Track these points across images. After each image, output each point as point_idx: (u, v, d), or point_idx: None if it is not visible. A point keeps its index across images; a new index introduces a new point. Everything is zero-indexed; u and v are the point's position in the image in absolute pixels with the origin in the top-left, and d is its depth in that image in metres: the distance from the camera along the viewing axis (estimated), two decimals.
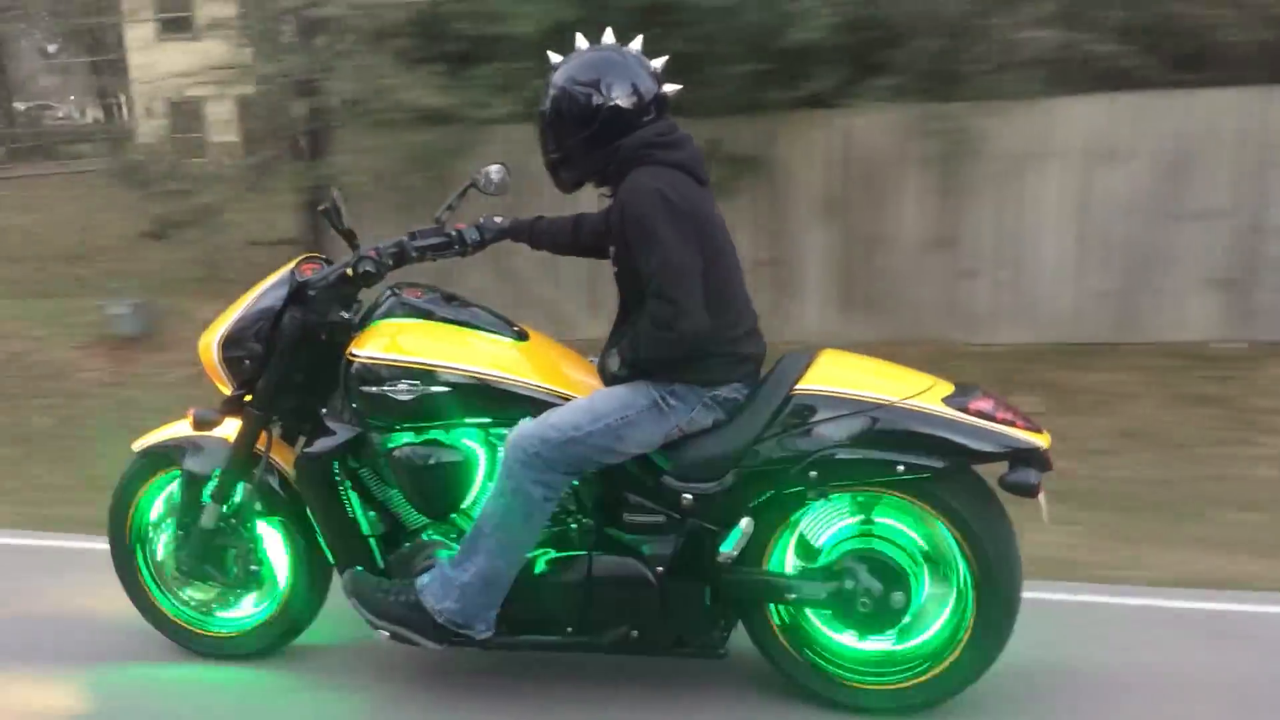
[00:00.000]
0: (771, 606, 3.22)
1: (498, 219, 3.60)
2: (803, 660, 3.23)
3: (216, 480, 3.45)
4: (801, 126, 8.34)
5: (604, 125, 3.05)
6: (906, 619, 3.14)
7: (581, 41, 3.19)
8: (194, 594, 3.65)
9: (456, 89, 8.09)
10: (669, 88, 3.14)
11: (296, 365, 3.35)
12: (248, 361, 3.38)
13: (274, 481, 3.47)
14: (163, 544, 3.64)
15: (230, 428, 3.46)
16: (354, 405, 3.25)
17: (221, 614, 3.68)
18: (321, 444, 3.32)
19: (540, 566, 3.20)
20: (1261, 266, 7.73)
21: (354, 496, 3.35)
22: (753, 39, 7.78)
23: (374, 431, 3.26)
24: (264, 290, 3.41)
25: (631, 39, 3.19)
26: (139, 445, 3.62)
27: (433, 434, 3.23)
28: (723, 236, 3.13)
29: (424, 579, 3.16)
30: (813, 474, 3.01)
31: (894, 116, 7.94)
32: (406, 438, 3.23)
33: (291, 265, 3.42)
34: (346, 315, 3.36)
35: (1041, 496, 3.01)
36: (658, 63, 3.16)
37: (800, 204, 8.51)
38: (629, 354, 3.05)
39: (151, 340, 9.68)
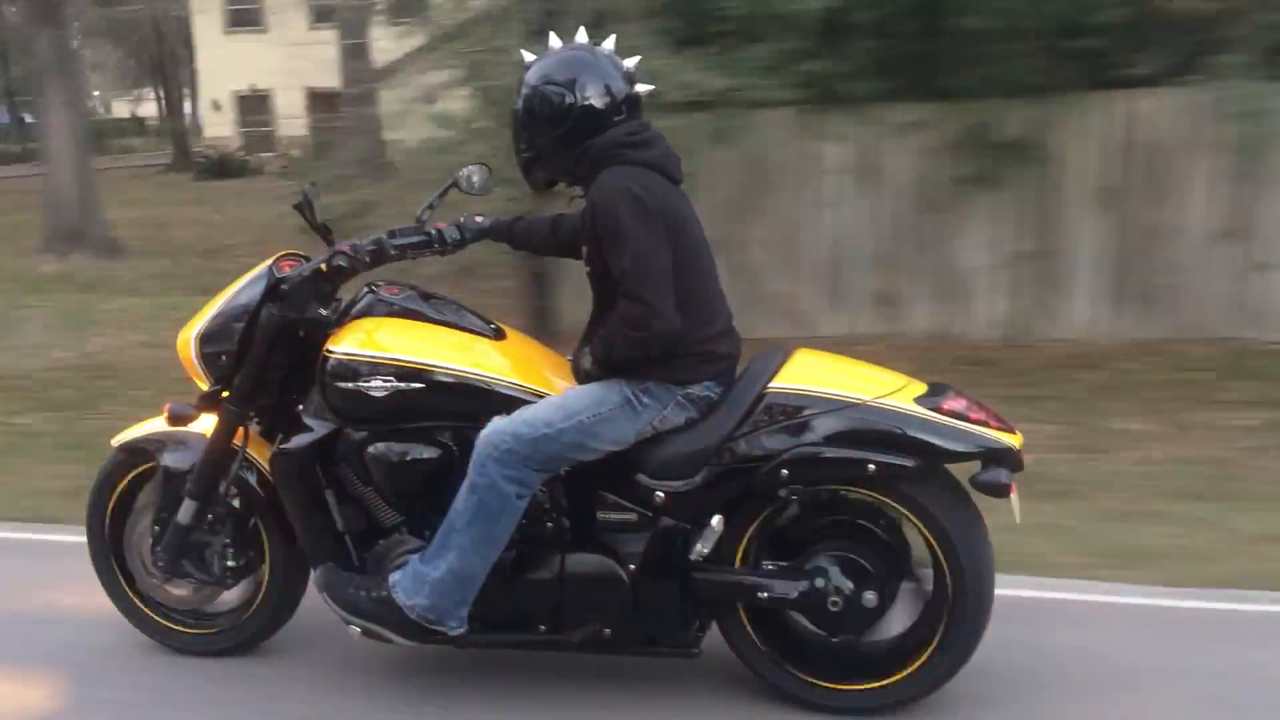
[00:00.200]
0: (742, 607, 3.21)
1: (478, 218, 3.61)
2: (775, 660, 3.23)
3: (193, 476, 3.46)
4: (1077, 110, 7.78)
5: (576, 124, 3.06)
6: (879, 619, 3.13)
7: (555, 41, 3.20)
8: (171, 590, 3.65)
9: (725, 70, 7.48)
10: (641, 88, 3.15)
11: (274, 362, 3.36)
12: (224, 358, 3.38)
13: (251, 477, 3.48)
14: (141, 540, 3.64)
15: (209, 423, 3.47)
16: (329, 402, 3.26)
17: (199, 610, 3.69)
18: (297, 440, 3.33)
19: (514, 564, 3.19)
20: None
21: (329, 493, 3.35)
22: (1064, 14, 7.36)
23: (349, 428, 3.27)
24: (242, 286, 3.42)
25: (604, 38, 3.20)
26: (118, 440, 3.63)
27: (407, 431, 3.24)
28: (696, 235, 3.13)
29: (396, 575, 3.17)
30: (784, 473, 3.00)
31: (1185, 98, 7.42)
32: (381, 435, 3.23)
33: (270, 261, 3.43)
34: (325, 312, 3.37)
35: (1014, 497, 3.01)
36: (630, 62, 3.16)
37: (1072, 192, 7.95)
38: (601, 352, 3.06)
39: None
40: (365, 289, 3.39)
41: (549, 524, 3.21)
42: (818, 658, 3.24)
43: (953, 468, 3.08)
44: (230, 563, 3.53)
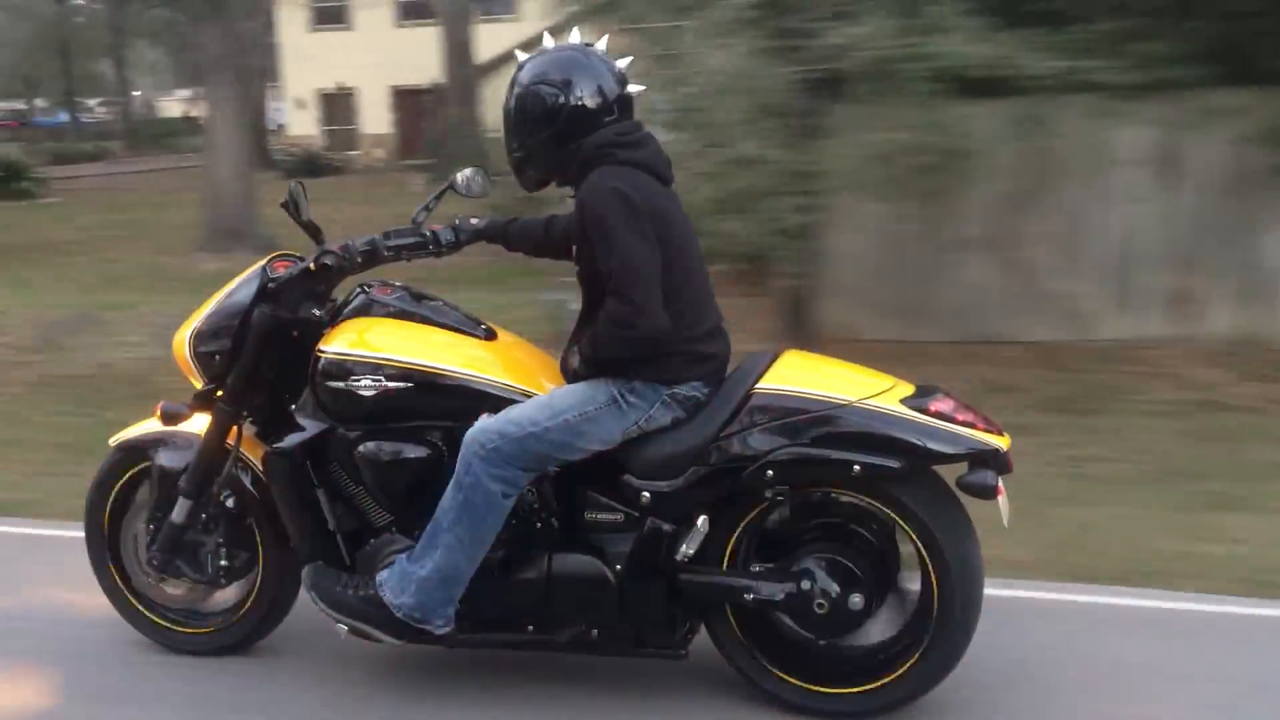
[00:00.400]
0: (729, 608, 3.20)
1: (473, 220, 3.62)
2: (762, 663, 3.22)
3: (187, 475, 3.48)
4: None
5: (567, 124, 3.07)
6: (865, 622, 3.11)
7: (548, 40, 3.21)
8: (166, 589, 3.67)
9: (1057, 52, 6.83)
10: (632, 88, 3.16)
11: (267, 362, 3.38)
12: (218, 357, 3.40)
13: (245, 477, 3.50)
14: (137, 539, 3.67)
15: (204, 423, 3.49)
16: (320, 401, 3.28)
17: (193, 609, 3.70)
18: (289, 440, 3.35)
19: (501, 564, 3.20)
20: None
21: (321, 493, 3.37)
22: None
23: (340, 427, 3.29)
24: (235, 286, 3.45)
25: (598, 39, 3.21)
26: (115, 440, 3.66)
27: (397, 431, 3.25)
28: (685, 235, 3.13)
29: (383, 574, 3.18)
30: (769, 473, 2.99)
31: None
32: (371, 434, 3.25)
33: (263, 262, 3.46)
34: (318, 313, 3.39)
35: (1001, 499, 2.99)
36: (622, 63, 3.18)
37: None
38: (588, 351, 3.06)
39: None
40: (358, 289, 3.42)
41: (537, 524, 3.21)
42: (805, 661, 3.22)
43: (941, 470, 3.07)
44: (224, 562, 3.55)
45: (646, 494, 3.08)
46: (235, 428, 3.44)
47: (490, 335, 3.37)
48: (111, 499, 3.68)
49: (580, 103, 3.07)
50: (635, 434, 3.09)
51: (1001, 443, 2.98)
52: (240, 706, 3.41)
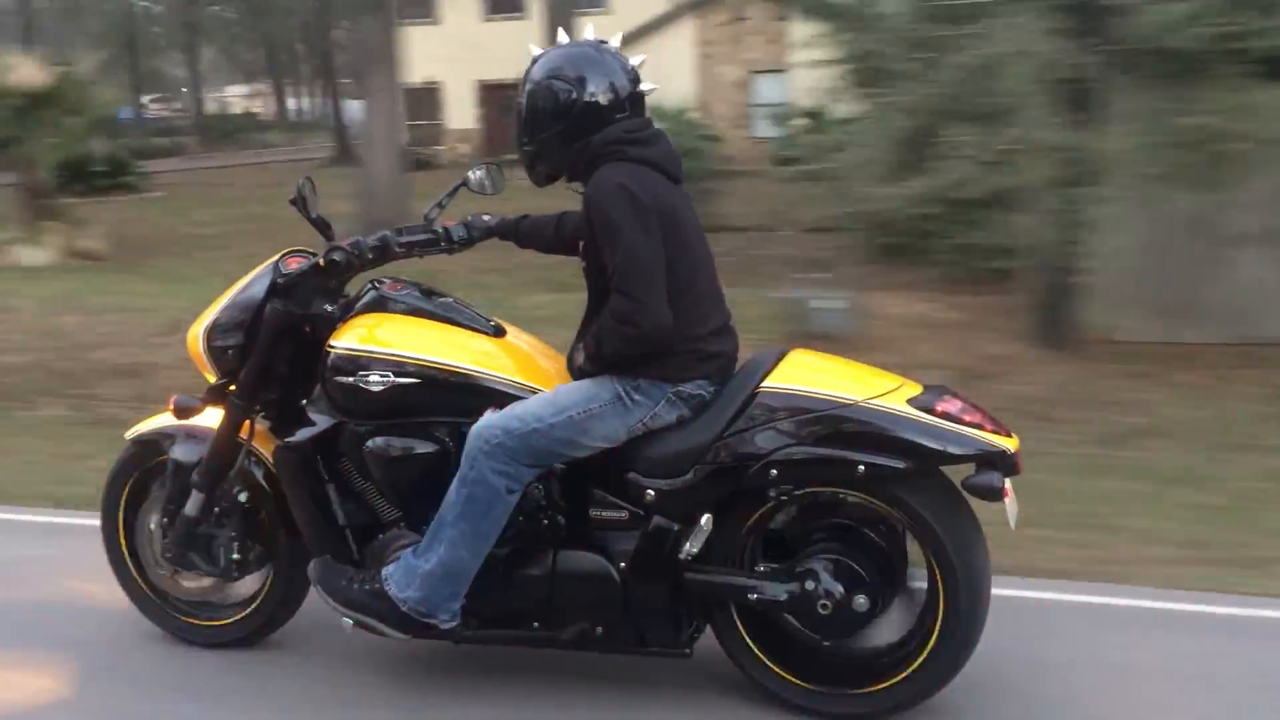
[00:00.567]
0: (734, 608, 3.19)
1: (486, 217, 3.64)
2: (767, 664, 3.20)
3: (200, 469, 3.51)
4: None
5: (577, 120, 3.08)
6: (870, 623, 3.09)
7: (562, 36, 3.22)
8: (180, 582, 3.70)
9: None
10: (644, 86, 3.16)
11: (279, 357, 3.41)
12: (230, 352, 3.43)
13: (258, 472, 3.52)
14: (151, 532, 3.70)
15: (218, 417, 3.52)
16: (330, 396, 3.30)
17: (206, 601, 3.73)
18: (300, 434, 3.38)
19: (507, 560, 3.20)
20: None
21: (331, 488, 3.39)
22: None
23: (349, 422, 3.31)
24: (249, 282, 3.48)
25: (611, 37, 3.22)
26: (131, 433, 3.70)
27: (406, 426, 3.26)
28: (693, 233, 3.13)
29: (389, 568, 3.19)
30: (773, 473, 2.98)
31: None
32: (380, 430, 3.26)
33: (276, 257, 3.48)
34: (330, 308, 3.41)
35: (1008, 501, 2.96)
36: (635, 60, 3.18)
37: None
38: (593, 348, 3.06)
39: (860, 340, 7.50)
40: (369, 285, 3.43)
41: (544, 521, 3.21)
42: (811, 662, 3.20)
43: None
44: (236, 556, 3.57)
45: (651, 492, 3.08)
46: (248, 422, 3.47)
47: (499, 332, 3.38)
48: (127, 492, 3.72)
49: (591, 99, 3.07)
50: (640, 432, 3.08)
51: (1009, 444, 2.95)
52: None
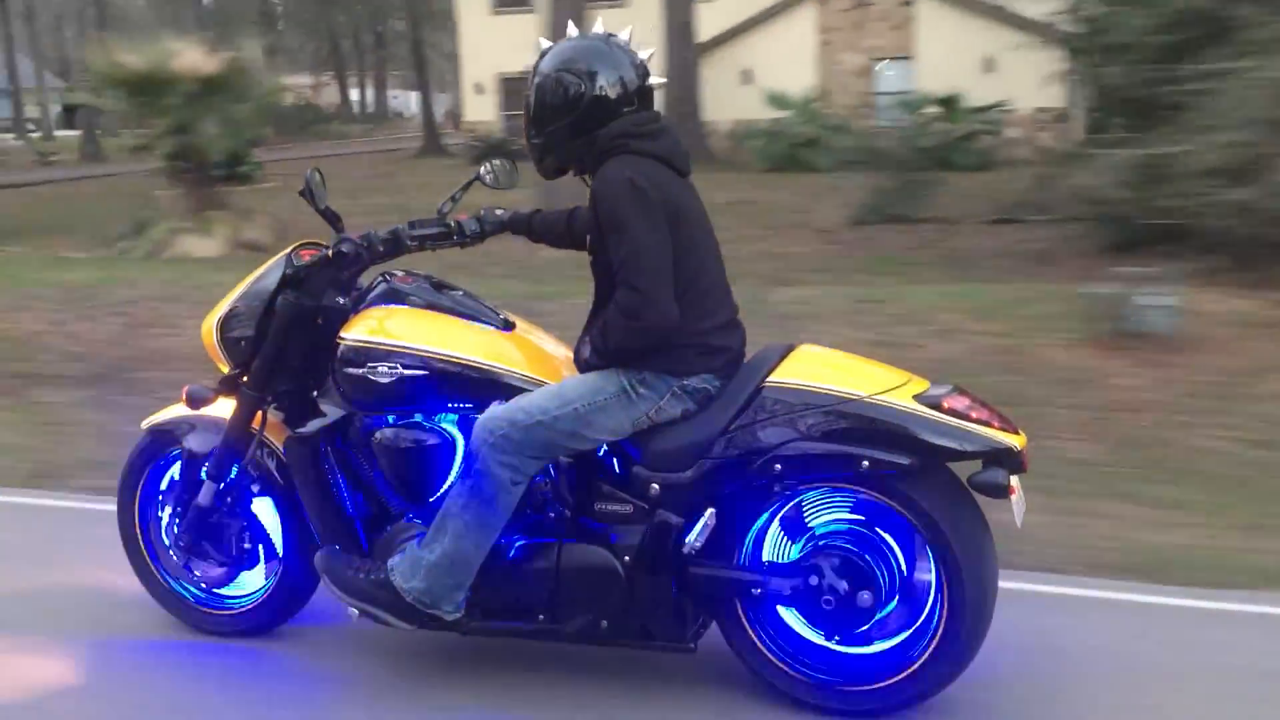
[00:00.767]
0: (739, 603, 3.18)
1: (499, 211, 3.66)
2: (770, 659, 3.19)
3: (212, 459, 3.54)
4: None
5: (585, 113, 3.08)
6: (874, 619, 3.07)
7: (572, 29, 3.23)
8: (193, 570, 3.74)
9: None
10: (654, 80, 3.16)
11: (292, 348, 3.43)
12: (243, 343, 3.47)
13: (269, 461, 3.55)
14: (166, 521, 3.74)
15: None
16: (340, 387, 3.32)
17: (219, 591, 3.77)
18: (310, 425, 3.40)
19: (512, 552, 3.21)
20: None
21: (341, 479, 3.41)
22: None
23: (359, 414, 3.33)
24: (262, 273, 3.51)
25: (622, 30, 3.22)
26: (147, 423, 3.74)
27: (414, 418, 3.28)
28: (700, 228, 3.13)
29: (394, 559, 3.21)
30: (777, 467, 2.98)
31: None
32: (388, 421, 3.28)
33: (289, 249, 3.51)
34: (342, 300, 3.44)
35: (1015, 499, 2.94)
36: (644, 54, 3.18)
37: None
38: (598, 341, 3.07)
39: (1188, 342, 6.79)
40: (379, 277, 3.46)
41: (550, 513, 3.21)
42: (816, 657, 3.19)
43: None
44: (247, 545, 3.60)
45: (656, 485, 3.08)
46: (260, 413, 3.50)
47: (509, 326, 3.39)
48: (143, 481, 3.76)
49: (600, 92, 3.08)
50: (645, 425, 3.09)
51: (1016, 441, 2.93)
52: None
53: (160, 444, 3.73)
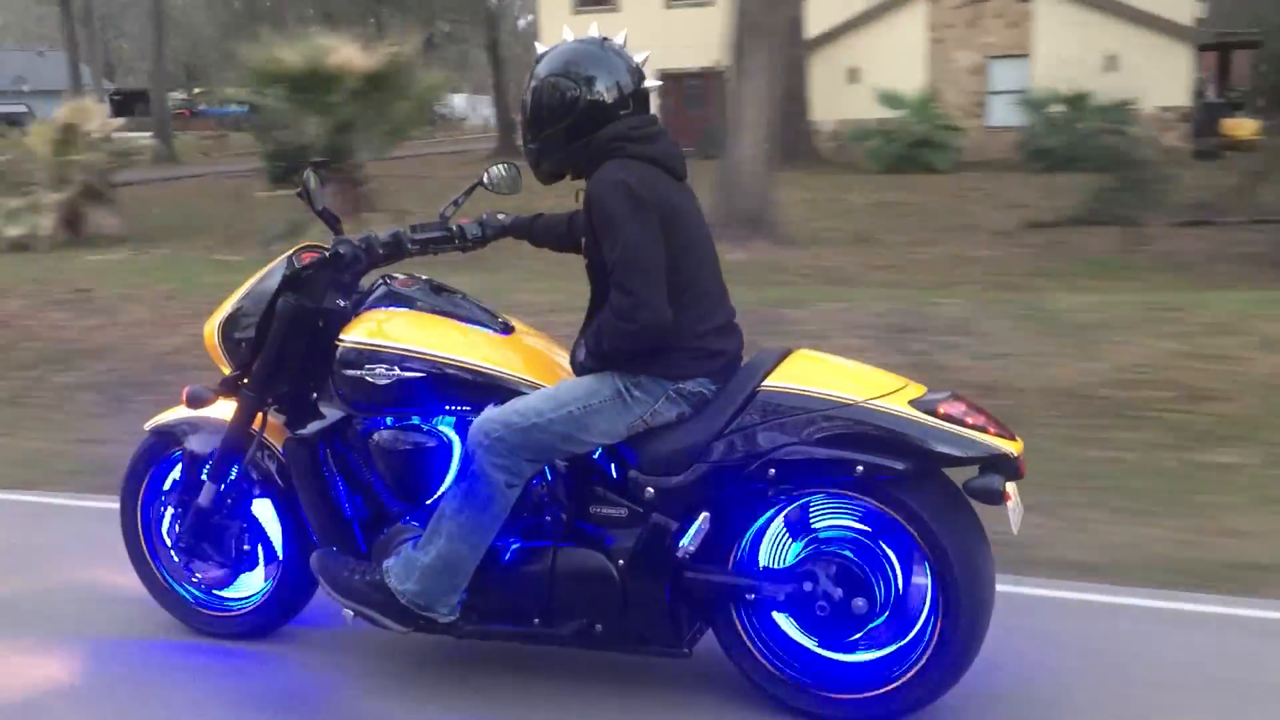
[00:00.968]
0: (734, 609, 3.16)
1: (501, 215, 3.66)
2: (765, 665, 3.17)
3: (212, 460, 3.56)
4: None
5: (581, 117, 3.08)
6: (869, 626, 3.05)
7: (567, 33, 3.23)
8: (194, 572, 3.75)
9: None
10: (649, 83, 3.16)
11: (292, 350, 3.44)
12: (244, 344, 3.48)
13: (269, 463, 3.56)
14: (167, 522, 3.76)
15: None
16: (338, 389, 3.33)
17: (220, 592, 3.78)
18: (309, 427, 3.41)
19: (507, 556, 3.21)
20: None
21: (340, 480, 3.42)
22: None
23: (357, 416, 3.33)
24: (263, 275, 3.52)
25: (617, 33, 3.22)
26: (150, 424, 3.76)
27: (411, 421, 3.29)
28: (696, 231, 3.12)
29: (389, 560, 3.21)
30: (771, 472, 2.96)
31: None
32: (386, 423, 3.29)
33: (290, 252, 3.53)
34: (342, 303, 3.45)
35: (1011, 506, 2.92)
36: (639, 57, 3.17)
37: None
38: (593, 344, 3.06)
39: None
40: (380, 281, 3.47)
41: (545, 517, 3.21)
42: (811, 665, 3.17)
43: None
44: (247, 547, 3.61)
45: (650, 489, 3.07)
46: (260, 414, 3.51)
47: (507, 329, 3.39)
48: (145, 481, 3.77)
49: (595, 96, 3.08)
50: (640, 429, 3.08)
51: (1013, 448, 2.90)
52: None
53: (163, 445, 3.75)
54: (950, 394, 3.00)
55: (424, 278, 3.51)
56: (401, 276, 3.48)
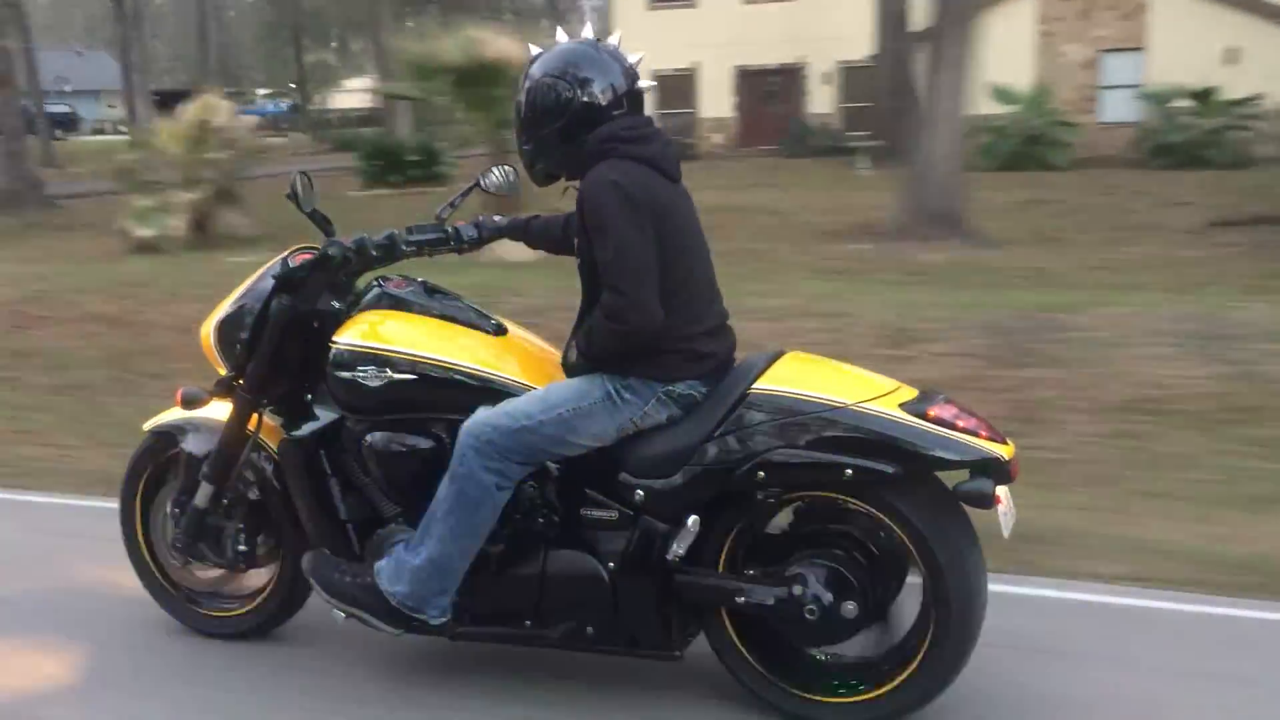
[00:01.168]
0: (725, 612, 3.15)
1: (496, 218, 3.66)
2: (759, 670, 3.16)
3: (209, 461, 3.57)
4: None
5: (575, 119, 3.07)
6: (859, 630, 3.03)
7: (561, 35, 3.22)
8: (192, 571, 3.76)
9: None
10: (643, 84, 3.15)
11: (287, 351, 3.44)
12: (239, 346, 3.49)
13: (265, 464, 3.57)
14: (165, 522, 3.77)
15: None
16: (332, 391, 3.33)
17: (218, 592, 3.79)
18: (304, 429, 3.42)
19: (498, 558, 3.20)
20: None
21: (333, 482, 3.42)
22: None
23: (350, 418, 3.34)
24: (259, 277, 3.53)
25: (612, 35, 3.22)
26: (149, 425, 3.78)
27: (404, 423, 3.28)
28: (689, 232, 3.11)
29: (381, 562, 3.21)
30: (760, 475, 2.95)
31: None
32: (379, 425, 3.29)
33: (285, 253, 3.53)
34: (337, 304, 3.45)
35: (1002, 510, 2.90)
36: (633, 58, 3.17)
37: None
38: (583, 345, 3.06)
39: None
40: (373, 283, 3.47)
41: (536, 519, 3.20)
42: (803, 669, 3.15)
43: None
44: (243, 547, 3.62)
45: (640, 492, 3.06)
46: (255, 415, 3.51)
47: (500, 331, 3.38)
48: (144, 482, 3.79)
49: (589, 97, 3.07)
50: (630, 431, 3.07)
51: (1003, 451, 2.88)
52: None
53: (161, 446, 3.76)
54: (943, 397, 2.98)
55: (418, 279, 3.51)
56: (395, 278, 3.49)
